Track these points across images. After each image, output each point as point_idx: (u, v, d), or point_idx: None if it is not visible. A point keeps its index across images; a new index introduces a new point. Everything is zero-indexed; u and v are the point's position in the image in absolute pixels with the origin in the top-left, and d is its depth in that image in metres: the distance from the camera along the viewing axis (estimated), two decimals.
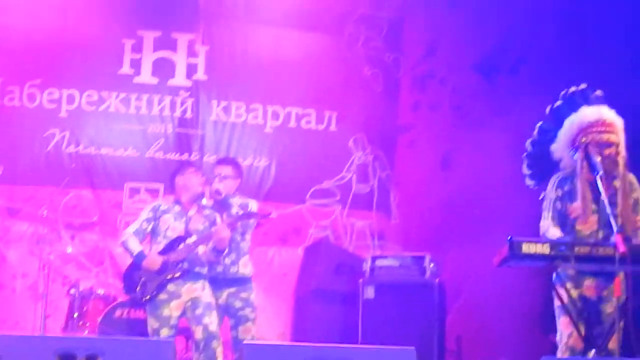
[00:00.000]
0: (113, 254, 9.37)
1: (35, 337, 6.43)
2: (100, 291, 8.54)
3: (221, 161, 8.03)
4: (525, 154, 6.59)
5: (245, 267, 7.64)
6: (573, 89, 6.45)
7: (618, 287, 5.59)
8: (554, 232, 6.13)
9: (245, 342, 6.55)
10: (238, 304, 7.53)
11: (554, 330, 6.41)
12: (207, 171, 8.23)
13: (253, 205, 7.69)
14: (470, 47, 10.35)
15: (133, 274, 7.25)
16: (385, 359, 5.32)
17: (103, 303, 8.37)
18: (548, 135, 6.47)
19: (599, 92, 6.44)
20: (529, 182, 6.61)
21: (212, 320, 7.14)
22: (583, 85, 6.45)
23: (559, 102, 6.44)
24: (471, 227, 9.59)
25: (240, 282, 7.59)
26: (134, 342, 5.28)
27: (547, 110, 6.52)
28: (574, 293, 6.02)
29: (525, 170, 6.59)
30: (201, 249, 7.27)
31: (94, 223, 9.54)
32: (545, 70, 9.76)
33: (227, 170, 7.70)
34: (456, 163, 10.10)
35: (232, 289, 7.51)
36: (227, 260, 7.52)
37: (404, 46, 10.54)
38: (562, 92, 6.47)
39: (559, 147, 6.36)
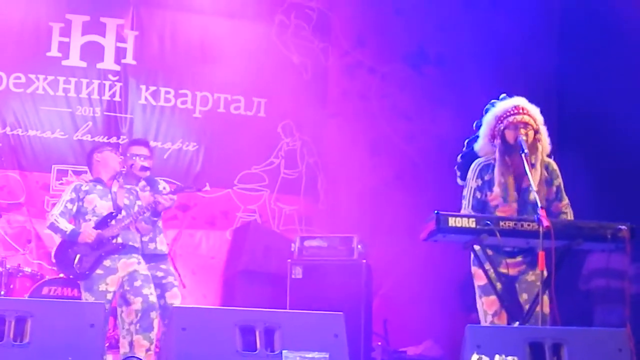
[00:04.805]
0: (40, 235, 9.28)
1: None
2: (27, 269, 8.49)
3: (137, 142, 8.09)
4: (455, 166, 6.73)
5: (162, 244, 7.88)
6: (494, 101, 6.61)
7: (542, 262, 5.70)
8: None
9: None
10: (160, 274, 7.71)
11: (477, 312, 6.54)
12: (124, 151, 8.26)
13: (166, 185, 7.86)
14: (398, 38, 10.51)
15: (66, 252, 7.25)
16: (314, 323, 5.39)
17: (30, 281, 8.32)
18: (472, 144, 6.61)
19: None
20: (461, 182, 6.70)
21: (151, 292, 7.21)
22: (503, 95, 6.61)
23: (483, 117, 6.58)
24: (398, 215, 9.73)
25: (159, 258, 7.80)
26: (65, 304, 5.27)
27: (474, 125, 6.67)
28: (491, 273, 6.12)
29: (459, 180, 6.69)
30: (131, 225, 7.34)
31: (20, 204, 9.44)
32: (469, 62, 9.96)
33: (144, 150, 7.80)
34: (384, 150, 10.22)
35: (151, 264, 7.61)
36: (145, 238, 7.64)
37: (332, 36, 10.65)
38: (486, 107, 6.62)
39: (481, 144, 6.47)
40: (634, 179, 8.44)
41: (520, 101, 6.34)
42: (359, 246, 8.57)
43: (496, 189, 6.19)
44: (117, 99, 9.87)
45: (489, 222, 5.82)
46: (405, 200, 9.74)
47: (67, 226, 7.25)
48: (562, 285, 6.17)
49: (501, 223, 5.84)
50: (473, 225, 5.82)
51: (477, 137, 6.45)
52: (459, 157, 6.70)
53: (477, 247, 6.02)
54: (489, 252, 6.09)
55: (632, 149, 8.33)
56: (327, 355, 4.84)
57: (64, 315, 5.01)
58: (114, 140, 9.69)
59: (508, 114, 6.24)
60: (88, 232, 7.20)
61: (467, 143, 6.67)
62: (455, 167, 6.69)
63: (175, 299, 7.61)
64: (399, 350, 9.25)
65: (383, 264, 9.40)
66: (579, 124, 9.32)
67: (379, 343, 8.62)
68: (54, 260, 7.59)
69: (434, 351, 9.37)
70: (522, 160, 6.00)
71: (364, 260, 8.53)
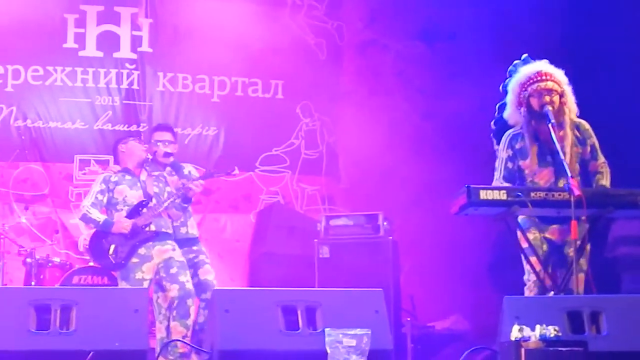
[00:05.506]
0: (66, 225, 9.36)
1: (8, 289, 6.43)
2: (57, 259, 8.55)
3: (160, 127, 8.09)
4: (491, 133, 6.76)
5: (193, 228, 7.91)
6: (516, 62, 6.63)
7: (574, 231, 5.73)
8: None
9: (215, 288, 6.74)
10: (191, 255, 7.72)
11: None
12: (146, 138, 8.31)
13: (191, 169, 7.87)
14: (410, 14, 10.51)
15: (100, 242, 7.28)
16: (355, 301, 5.45)
17: (60, 270, 8.39)
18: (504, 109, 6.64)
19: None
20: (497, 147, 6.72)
21: (187, 279, 7.25)
22: (524, 56, 6.64)
23: (508, 79, 6.60)
24: (418, 190, 9.76)
25: (191, 242, 7.82)
26: (108, 291, 5.32)
27: (500, 88, 6.70)
28: (538, 236, 6.18)
29: (495, 146, 6.72)
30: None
31: (45, 195, 9.50)
32: (482, 37, 9.96)
33: (167, 135, 7.82)
34: (401, 127, 10.24)
35: (184, 248, 7.63)
36: (176, 223, 7.67)
37: (345, 14, 10.67)
38: (509, 68, 6.65)
39: (509, 112, 6.50)
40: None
41: (543, 66, 6.38)
42: (385, 223, 8.59)
43: (530, 155, 6.23)
44: (135, 87, 9.90)
45: (520, 194, 5.88)
46: (425, 175, 9.76)
47: (99, 216, 7.28)
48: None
49: (532, 194, 5.90)
50: (504, 197, 5.88)
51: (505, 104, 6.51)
52: (492, 123, 6.73)
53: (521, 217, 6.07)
54: (535, 219, 6.15)
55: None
56: (369, 332, 4.88)
57: (108, 302, 5.08)
58: (134, 128, 9.75)
59: (531, 81, 6.29)
60: (122, 221, 7.24)
61: (498, 108, 6.69)
62: (491, 135, 6.73)
63: (208, 274, 7.63)
64: (427, 325, 9.29)
65: (407, 240, 9.44)
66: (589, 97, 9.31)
67: (408, 319, 8.64)
68: (82, 250, 7.60)
69: (461, 325, 9.42)
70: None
71: (390, 237, 8.55)
